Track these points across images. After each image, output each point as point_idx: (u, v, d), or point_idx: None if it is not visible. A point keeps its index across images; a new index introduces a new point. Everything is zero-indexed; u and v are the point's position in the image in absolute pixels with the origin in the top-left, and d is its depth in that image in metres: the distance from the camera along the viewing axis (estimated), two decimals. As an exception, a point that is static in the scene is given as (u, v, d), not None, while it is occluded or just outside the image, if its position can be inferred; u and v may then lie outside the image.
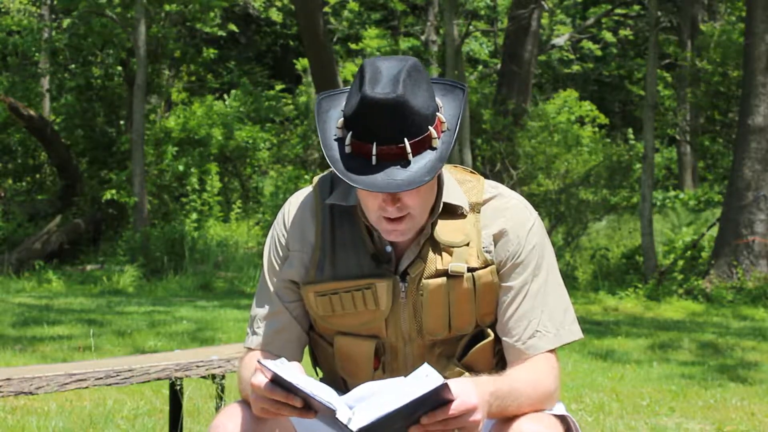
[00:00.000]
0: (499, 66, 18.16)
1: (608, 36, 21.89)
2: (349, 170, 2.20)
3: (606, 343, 8.66)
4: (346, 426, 2.02)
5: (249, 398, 2.27)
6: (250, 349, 2.43)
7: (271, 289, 2.42)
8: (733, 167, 12.61)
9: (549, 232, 13.85)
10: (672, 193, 18.75)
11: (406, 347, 2.38)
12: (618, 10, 20.90)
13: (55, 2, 18.35)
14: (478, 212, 2.38)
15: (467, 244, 2.35)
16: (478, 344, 2.39)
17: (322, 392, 2.06)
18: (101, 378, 3.91)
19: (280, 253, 2.42)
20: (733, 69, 15.51)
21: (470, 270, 2.34)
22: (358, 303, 2.34)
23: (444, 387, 2.03)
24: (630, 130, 20.74)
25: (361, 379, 2.35)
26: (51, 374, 3.79)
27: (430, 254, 2.35)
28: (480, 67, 21.47)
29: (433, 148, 2.22)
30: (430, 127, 2.22)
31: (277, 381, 2.10)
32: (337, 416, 2.02)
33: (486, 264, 2.35)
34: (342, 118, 2.26)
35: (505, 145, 15.39)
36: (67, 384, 3.81)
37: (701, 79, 15.80)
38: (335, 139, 2.27)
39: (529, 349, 2.36)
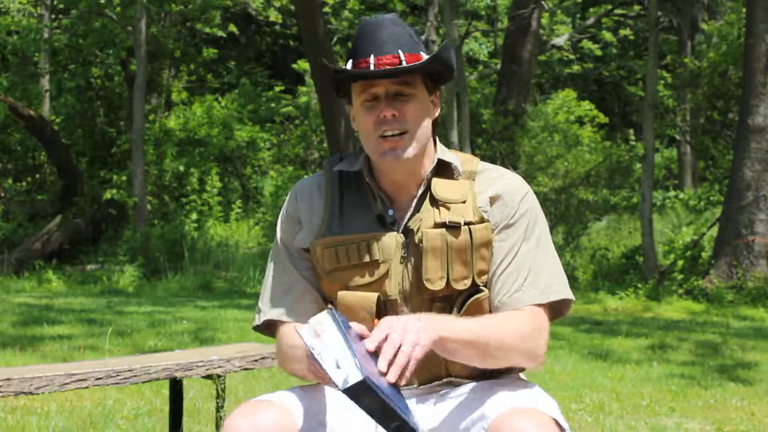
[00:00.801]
0: (499, 66, 18.17)
1: (608, 36, 21.89)
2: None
3: (606, 343, 8.66)
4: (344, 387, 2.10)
5: (291, 368, 2.44)
6: (280, 322, 2.50)
7: (287, 261, 2.52)
8: (733, 167, 12.60)
9: (549, 232, 13.82)
10: (672, 193, 18.75)
11: (406, 305, 2.45)
12: (618, 10, 20.89)
13: (55, 2, 18.35)
14: (473, 180, 2.50)
15: (464, 202, 2.46)
16: (473, 297, 2.45)
17: (334, 360, 2.13)
18: (101, 378, 3.91)
19: (293, 227, 2.53)
20: (733, 69, 15.51)
21: (467, 223, 2.44)
22: (363, 253, 2.44)
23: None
24: (630, 131, 20.74)
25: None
26: (51, 374, 3.79)
27: (429, 208, 2.46)
28: (480, 67, 21.46)
29: None
30: (423, 53, 2.44)
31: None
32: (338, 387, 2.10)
33: (482, 220, 2.45)
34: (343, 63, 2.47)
35: (505, 145, 15.39)
36: (67, 384, 3.81)
37: (701, 75, 15.81)
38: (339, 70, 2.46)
39: (514, 302, 2.43)
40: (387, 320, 2.24)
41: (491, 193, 2.48)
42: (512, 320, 2.39)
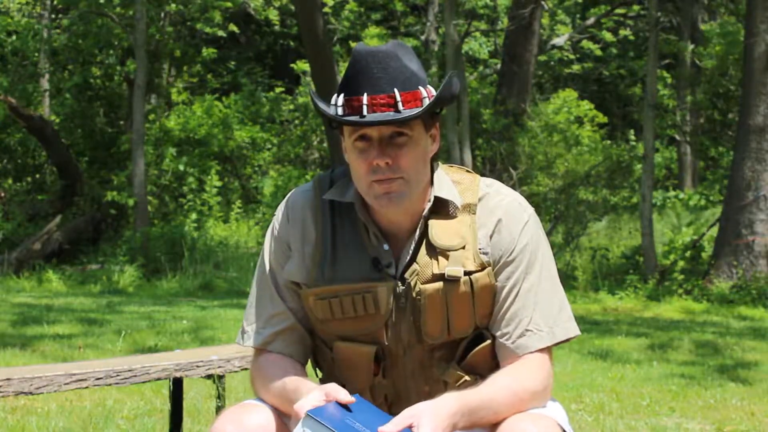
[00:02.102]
0: (499, 66, 18.16)
1: (608, 36, 21.88)
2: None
3: (606, 343, 8.65)
4: None
5: (264, 398, 2.35)
6: (258, 350, 2.43)
7: (273, 289, 2.41)
8: (733, 167, 12.59)
9: (549, 232, 13.88)
10: (672, 193, 18.74)
11: (405, 353, 2.36)
12: (618, 10, 20.88)
13: (55, 2, 18.35)
14: (474, 213, 2.36)
15: (463, 247, 2.33)
16: (477, 347, 2.37)
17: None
18: (101, 378, 3.91)
19: (282, 253, 2.40)
20: (733, 69, 15.50)
21: (467, 273, 2.32)
22: (358, 307, 2.32)
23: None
24: (631, 131, 20.73)
25: (361, 384, 2.36)
26: (51, 374, 3.79)
27: (427, 258, 2.33)
28: (480, 67, 21.46)
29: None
30: (421, 87, 2.26)
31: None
32: None
33: (483, 267, 2.33)
34: (336, 94, 2.31)
35: (505, 145, 15.39)
36: (67, 384, 3.81)
37: (701, 72, 15.81)
38: (330, 105, 2.32)
39: (519, 349, 2.34)
40: (411, 411, 2.16)
41: (490, 228, 2.35)
42: (523, 382, 2.31)
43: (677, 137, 19.20)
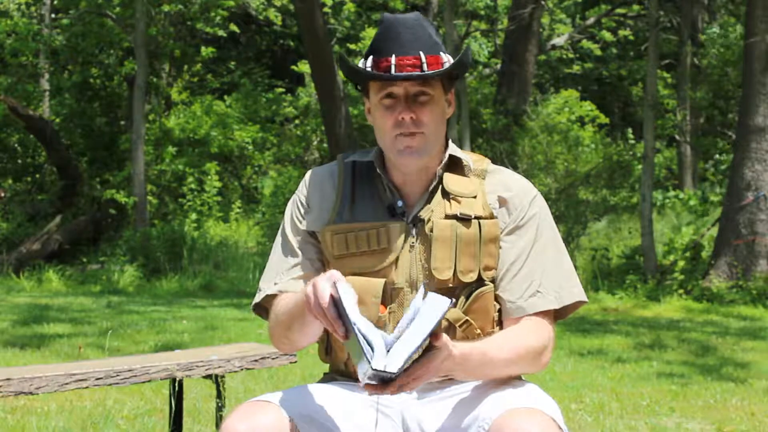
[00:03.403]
0: (499, 66, 18.16)
1: (608, 36, 21.88)
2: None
3: (606, 343, 8.66)
4: (382, 371, 2.12)
5: (277, 340, 2.51)
6: (273, 296, 2.54)
7: (293, 243, 2.56)
8: (733, 167, 12.59)
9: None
10: (672, 193, 18.74)
11: (412, 294, 2.46)
12: (618, 10, 20.89)
13: (55, 2, 18.35)
14: (483, 178, 2.54)
15: (474, 197, 2.50)
16: (478, 290, 2.47)
17: (368, 334, 2.17)
18: (101, 378, 3.91)
19: (301, 210, 2.57)
20: (733, 69, 15.51)
21: (476, 217, 2.48)
22: (372, 241, 2.48)
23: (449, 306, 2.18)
24: (630, 131, 20.73)
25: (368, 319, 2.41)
26: (51, 374, 3.79)
27: (440, 200, 2.50)
28: (480, 67, 21.46)
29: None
30: (442, 53, 2.46)
31: (337, 303, 2.21)
32: (373, 366, 2.12)
33: (491, 216, 2.49)
34: (363, 58, 2.48)
35: (505, 145, 15.39)
36: (67, 384, 3.81)
37: (701, 71, 15.82)
38: (357, 67, 2.49)
39: (529, 308, 2.47)
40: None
41: (500, 194, 2.52)
42: (525, 338, 2.43)
43: (677, 137, 19.20)
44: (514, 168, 15.07)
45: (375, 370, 2.12)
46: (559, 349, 8.06)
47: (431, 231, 2.47)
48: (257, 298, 2.58)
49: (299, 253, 2.55)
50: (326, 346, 2.58)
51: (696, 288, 11.95)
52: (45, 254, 14.25)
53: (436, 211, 2.49)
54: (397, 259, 2.48)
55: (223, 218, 16.57)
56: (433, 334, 2.18)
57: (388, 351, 2.15)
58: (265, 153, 18.61)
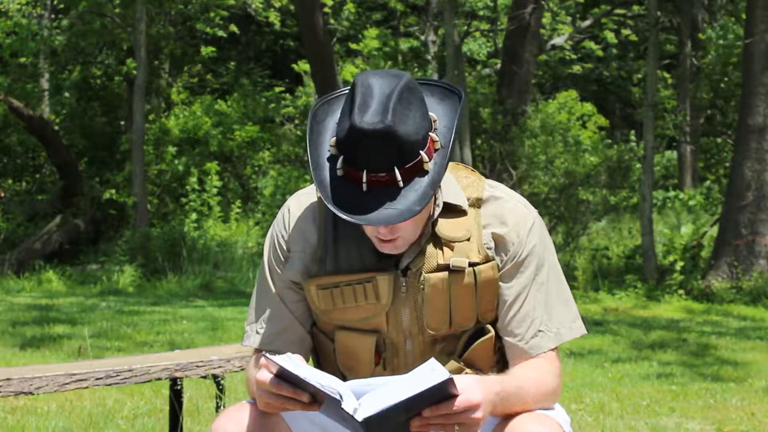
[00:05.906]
0: (499, 66, 18.15)
1: (609, 36, 21.88)
2: (338, 195, 2.20)
3: (606, 343, 8.66)
4: (351, 416, 2.03)
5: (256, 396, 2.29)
6: (256, 351, 2.43)
7: (273, 290, 2.41)
8: (733, 167, 12.59)
9: (549, 232, 13.80)
10: (672, 193, 18.74)
11: (407, 343, 2.38)
12: (618, 10, 20.88)
13: (55, 2, 18.35)
14: (479, 207, 2.39)
15: (468, 239, 2.35)
16: (478, 340, 2.39)
17: (328, 382, 2.08)
18: (101, 378, 3.91)
19: (281, 255, 2.41)
20: (733, 69, 15.50)
21: (471, 264, 2.34)
22: (359, 296, 2.33)
23: (449, 382, 2.05)
24: (632, 132, 20.74)
25: (362, 375, 2.35)
26: (51, 374, 3.79)
27: (432, 249, 2.35)
28: (479, 67, 21.46)
29: (425, 172, 2.21)
30: (421, 151, 2.20)
31: (282, 375, 2.11)
32: (342, 406, 2.03)
33: (487, 259, 2.36)
34: (335, 137, 2.24)
35: (505, 145, 15.38)
36: (67, 384, 3.81)
37: (703, 71, 15.80)
38: (328, 158, 2.25)
39: (533, 349, 2.37)
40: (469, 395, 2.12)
41: (495, 230, 2.37)
42: (535, 379, 2.33)
43: (677, 137, 19.20)
44: (514, 168, 15.08)
45: (344, 411, 2.03)
46: (559, 348, 8.05)
47: (423, 288, 2.33)
48: (245, 342, 2.45)
49: (281, 304, 2.40)
50: (316, 358, 2.52)
51: (696, 288, 11.95)
52: (45, 254, 14.25)
53: (427, 261, 2.33)
54: (387, 312, 2.35)
55: (223, 218, 16.57)
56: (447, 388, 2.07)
57: (358, 398, 2.05)
58: (265, 153, 18.60)
